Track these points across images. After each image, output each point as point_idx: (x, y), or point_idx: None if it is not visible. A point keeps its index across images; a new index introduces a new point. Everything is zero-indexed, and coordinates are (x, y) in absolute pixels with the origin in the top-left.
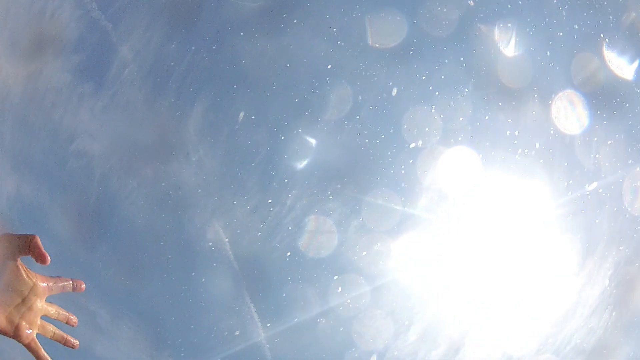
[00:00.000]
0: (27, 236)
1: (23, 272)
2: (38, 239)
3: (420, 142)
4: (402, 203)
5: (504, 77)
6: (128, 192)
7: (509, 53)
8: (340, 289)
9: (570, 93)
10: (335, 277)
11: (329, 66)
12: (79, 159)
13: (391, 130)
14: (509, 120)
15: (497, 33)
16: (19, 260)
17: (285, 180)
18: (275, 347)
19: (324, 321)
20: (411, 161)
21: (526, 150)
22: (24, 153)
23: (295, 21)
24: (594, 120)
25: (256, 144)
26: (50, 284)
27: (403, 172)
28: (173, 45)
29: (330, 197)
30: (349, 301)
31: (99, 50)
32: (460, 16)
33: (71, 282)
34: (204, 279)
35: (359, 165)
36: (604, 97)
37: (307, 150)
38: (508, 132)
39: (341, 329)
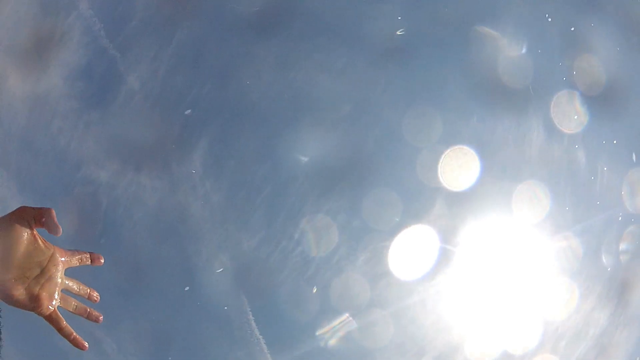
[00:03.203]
0: (42, 208)
1: (40, 242)
2: (53, 211)
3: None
4: (409, 234)
5: (504, 78)
6: (134, 223)
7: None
8: (349, 317)
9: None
10: (345, 310)
11: (333, 100)
12: (86, 186)
13: (400, 148)
14: (511, 122)
15: (497, 33)
16: (35, 230)
17: (293, 213)
18: None
19: (333, 348)
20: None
21: (530, 151)
22: (29, 179)
23: (297, 56)
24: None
25: (263, 177)
26: (69, 255)
27: (409, 194)
28: (180, 77)
29: (339, 228)
30: (360, 329)
31: (106, 78)
32: (460, 16)
33: (89, 254)
34: (210, 311)
35: (367, 195)
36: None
37: (314, 180)
38: (511, 133)
39: (353, 355)
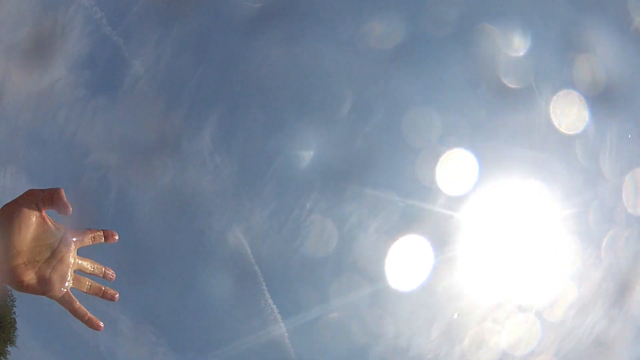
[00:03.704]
0: (51, 189)
1: (50, 223)
2: (62, 191)
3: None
4: (418, 200)
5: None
6: (146, 202)
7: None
8: (358, 287)
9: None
10: (355, 275)
11: (339, 69)
12: (95, 171)
13: (404, 132)
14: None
15: (500, 33)
16: (44, 212)
17: (303, 184)
18: (297, 342)
19: (342, 318)
20: (428, 161)
21: (534, 147)
22: (39, 167)
23: (302, 31)
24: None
25: (273, 149)
26: (81, 234)
27: (417, 172)
28: (185, 58)
29: (349, 199)
30: (367, 299)
31: (111, 65)
32: (461, 16)
33: (102, 232)
34: (224, 281)
35: (375, 166)
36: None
37: (323, 152)
38: (512, 131)
39: (360, 326)
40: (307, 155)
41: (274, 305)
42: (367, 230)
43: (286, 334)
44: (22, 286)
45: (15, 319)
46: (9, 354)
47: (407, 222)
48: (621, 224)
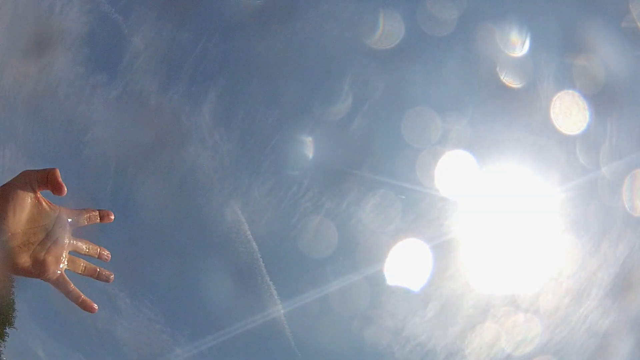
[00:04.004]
0: (45, 169)
1: (44, 204)
2: (57, 171)
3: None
4: (416, 184)
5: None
6: (144, 178)
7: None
8: (355, 267)
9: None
10: (351, 254)
11: (340, 45)
12: (94, 148)
13: (404, 113)
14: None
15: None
16: (38, 193)
17: (301, 161)
18: (294, 322)
19: (340, 298)
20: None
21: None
22: (38, 145)
23: (303, 5)
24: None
25: (271, 126)
26: (76, 215)
27: (414, 153)
28: (185, 34)
29: (347, 177)
30: (365, 279)
31: (110, 42)
32: (461, 16)
33: (97, 212)
34: (222, 258)
35: (374, 146)
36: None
37: (322, 130)
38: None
39: (358, 306)
40: (306, 132)
41: (271, 282)
42: (365, 209)
43: (283, 314)
44: (16, 269)
45: (14, 300)
46: (7, 336)
47: (405, 203)
48: (619, 214)
